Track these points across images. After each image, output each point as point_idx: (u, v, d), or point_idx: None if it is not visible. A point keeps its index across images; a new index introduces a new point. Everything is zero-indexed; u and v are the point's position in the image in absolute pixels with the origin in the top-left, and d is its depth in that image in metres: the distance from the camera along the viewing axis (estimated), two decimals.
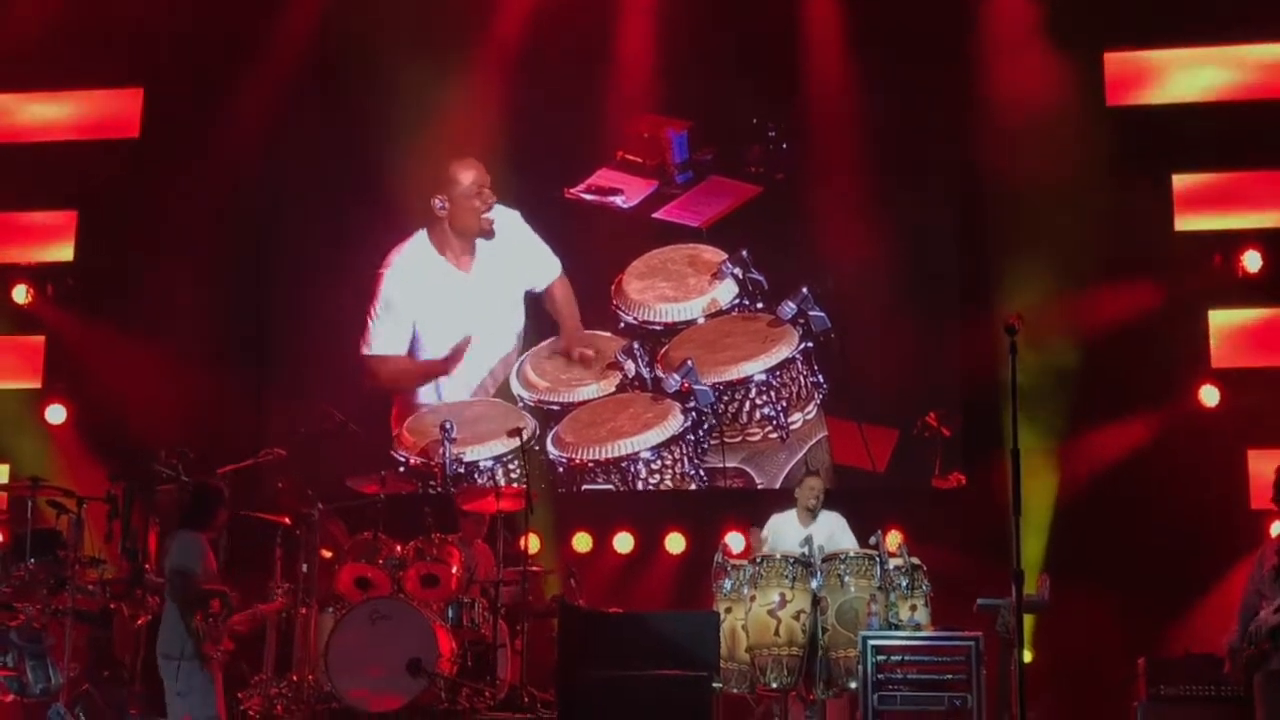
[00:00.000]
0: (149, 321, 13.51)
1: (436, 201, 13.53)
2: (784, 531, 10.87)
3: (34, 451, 13.36)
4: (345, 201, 13.87)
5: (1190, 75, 13.22)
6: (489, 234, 13.53)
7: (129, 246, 13.73)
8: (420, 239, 13.63)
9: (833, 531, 10.80)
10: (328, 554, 11.69)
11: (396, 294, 13.60)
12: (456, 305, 13.55)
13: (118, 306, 13.67)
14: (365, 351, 13.58)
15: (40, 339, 14.07)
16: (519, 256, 13.57)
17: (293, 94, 13.85)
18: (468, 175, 13.46)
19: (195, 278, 13.51)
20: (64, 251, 14.15)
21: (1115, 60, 13.18)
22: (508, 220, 13.56)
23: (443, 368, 13.49)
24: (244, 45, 13.81)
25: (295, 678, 11.03)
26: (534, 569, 11.81)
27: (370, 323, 13.61)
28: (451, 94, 13.58)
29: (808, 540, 10.53)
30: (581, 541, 13.23)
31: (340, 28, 13.60)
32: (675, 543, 13.15)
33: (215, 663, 9.43)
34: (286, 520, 11.56)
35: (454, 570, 11.22)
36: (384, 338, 13.59)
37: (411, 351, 13.60)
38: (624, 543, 13.26)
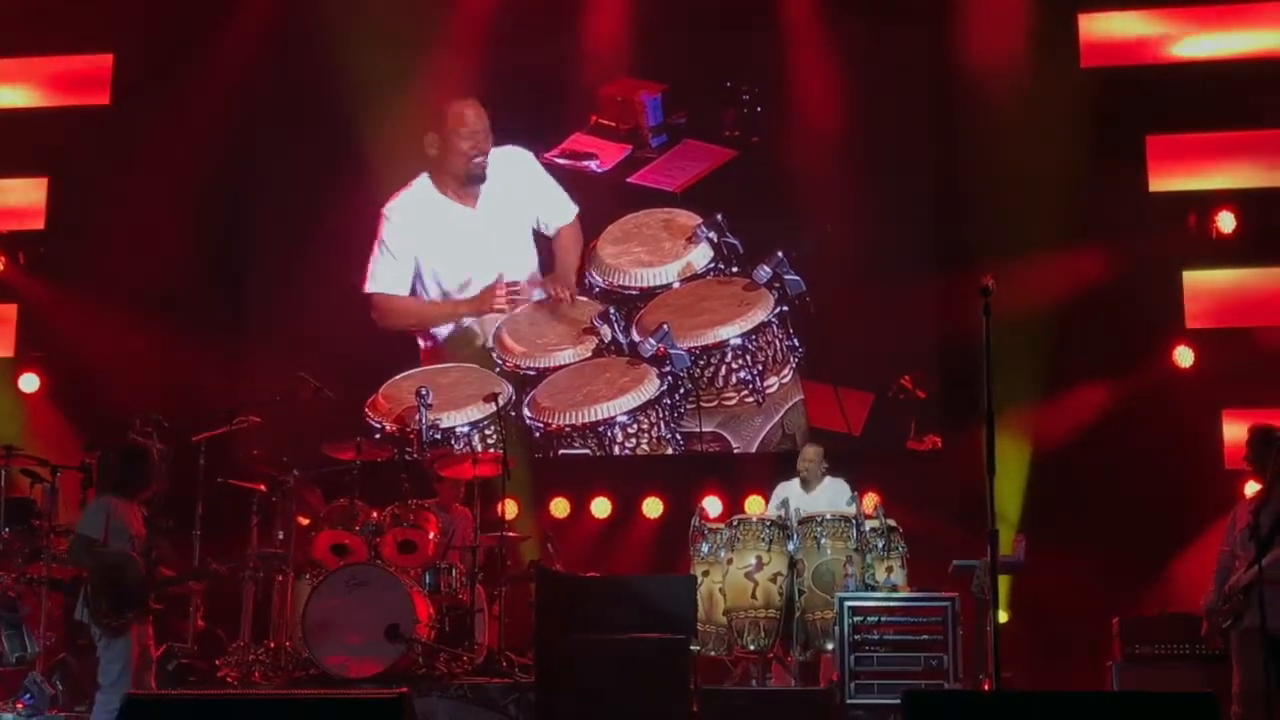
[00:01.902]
0: (122, 289, 13.44)
1: (428, 138, 13.50)
2: (786, 499, 10.89)
3: (7, 420, 13.31)
4: (320, 165, 13.79)
5: (1165, 36, 13.22)
6: (478, 178, 13.49)
7: (101, 214, 13.65)
8: (422, 180, 13.65)
9: (832, 499, 10.82)
10: (304, 521, 11.67)
11: (398, 229, 13.60)
12: (462, 241, 13.58)
13: (90, 274, 13.60)
14: (368, 288, 13.59)
15: (13, 307, 14.02)
16: (528, 195, 13.59)
17: (264, 58, 13.78)
18: (459, 114, 13.42)
19: (168, 245, 13.43)
20: (35, 219, 14.09)
21: (1089, 21, 13.17)
22: (517, 159, 13.59)
23: (473, 308, 13.51)
24: (213, 10, 13.74)
25: (273, 644, 11.02)
26: (511, 534, 11.81)
27: (372, 261, 13.59)
28: (425, 57, 13.52)
29: (784, 504, 10.56)
30: (559, 507, 13.24)
31: None
32: (653, 507, 13.17)
33: (124, 629, 9.12)
34: (262, 487, 11.54)
35: (431, 536, 11.21)
36: (386, 276, 13.60)
37: (414, 290, 13.60)
38: (601, 507, 13.27)
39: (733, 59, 13.55)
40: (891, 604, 9.67)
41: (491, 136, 13.51)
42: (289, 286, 13.72)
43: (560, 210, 13.58)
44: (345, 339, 13.43)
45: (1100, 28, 13.22)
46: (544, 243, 13.63)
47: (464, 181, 13.54)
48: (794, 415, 13.06)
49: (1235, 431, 11.81)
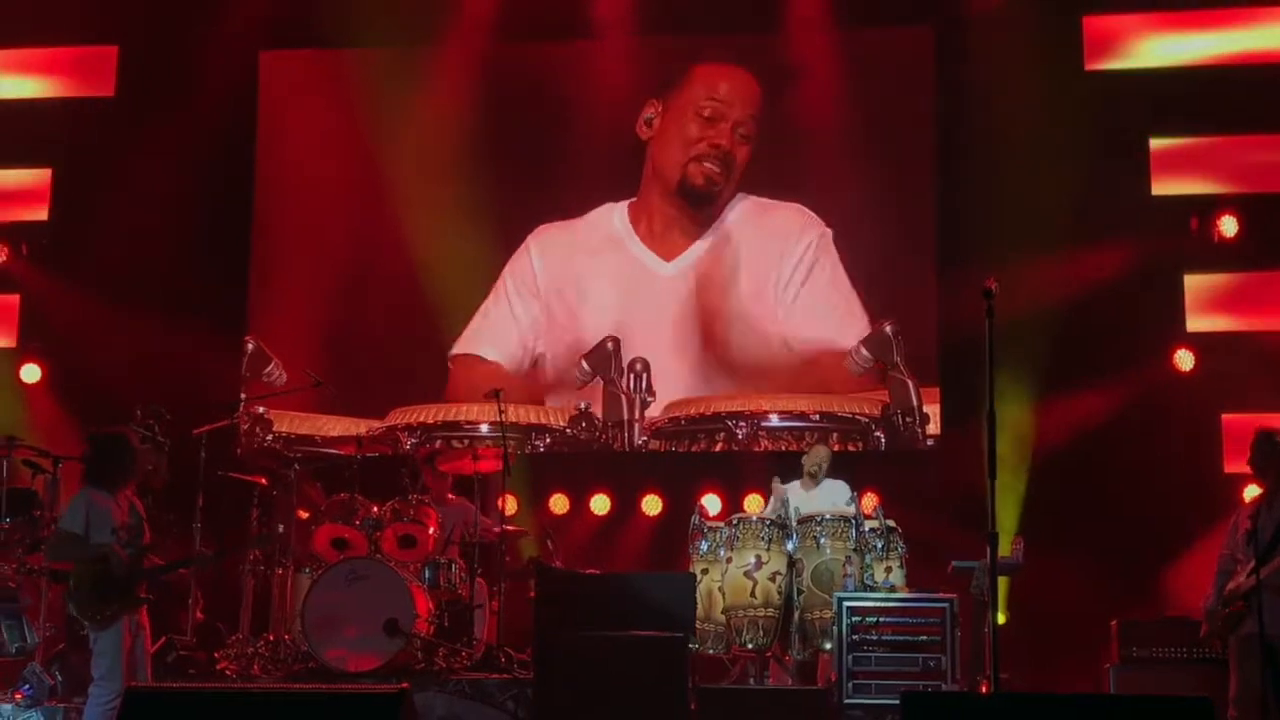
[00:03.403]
0: (124, 281, 13.44)
1: (646, 112, 12.80)
2: (786, 498, 10.89)
3: (9, 411, 13.30)
4: (326, 158, 13.79)
5: (1168, 40, 13.23)
6: (704, 195, 12.60)
7: (104, 205, 13.65)
8: (614, 207, 13.04)
9: (833, 499, 10.82)
10: (304, 515, 11.68)
11: (528, 273, 13.05)
12: (630, 302, 12.92)
13: (93, 265, 13.59)
14: (456, 351, 13.28)
15: (15, 298, 14.01)
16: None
17: (268, 49, 13.81)
18: (710, 76, 12.62)
19: (171, 236, 13.44)
20: (39, 210, 14.08)
21: (1094, 24, 13.18)
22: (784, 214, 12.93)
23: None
24: (218, 1, 13.73)
25: (272, 638, 11.03)
26: (511, 529, 11.82)
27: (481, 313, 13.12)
28: (432, 49, 13.50)
29: (784, 503, 10.57)
30: (558, 503, 13.25)
31: None
32: (652, 504, 13.18)
33: (111, 621, 9.04)
34: (263, 481, 11.55)
35: (431, 531, 11.22)
36: (485, 331, 13.22)
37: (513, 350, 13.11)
38: (601, 504, 13.28)
39: (736, 61, 13.52)
40: (890, 604, 9.67)
41: (743, 151, 12.66)
42: (295, 280, 13.72)
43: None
44: (349, 332, 13.44)
45: (1105, 30, 13.22)
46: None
47: (678, 195, 12.62)
48: None
49: (1235, 435, 11.83)
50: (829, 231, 12.95)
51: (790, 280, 12.96)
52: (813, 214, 13.03)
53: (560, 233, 13.36)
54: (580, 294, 13.21)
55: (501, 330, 13.33)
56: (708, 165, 12.81)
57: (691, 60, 13.25)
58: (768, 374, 13.03)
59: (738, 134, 13.02)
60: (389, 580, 10.58)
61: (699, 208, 13.15)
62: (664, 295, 13.12)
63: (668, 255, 13.17)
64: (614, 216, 13.29)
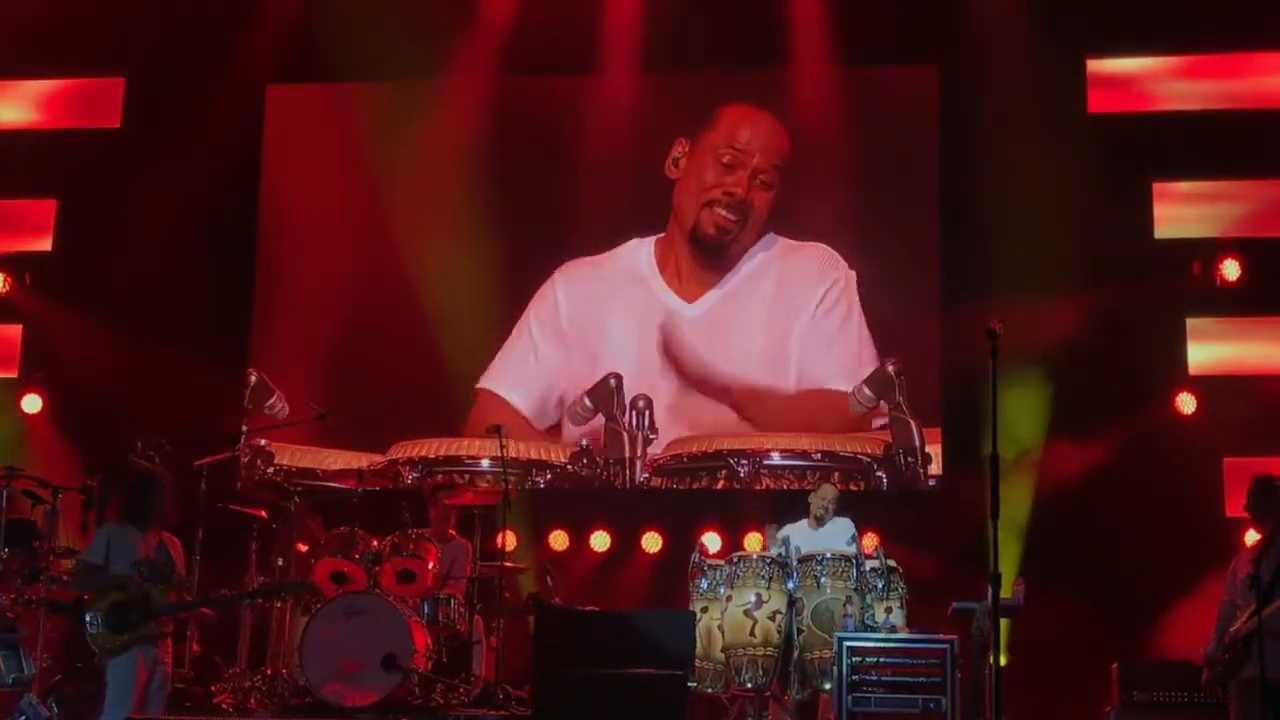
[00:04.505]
0: (127, 312, 13.46)
1: (675, 150, 12.65)
2: (792, 538, 10.86)
3: (9, 441, 13.31)
4: (331, 192, 13.82)
5: (1172, 84, 13.27)
6: (714, 244, 12.54)
7: (109, 236, 13.67)
8: (642, 243, 13.02)
9: (835, 537, 10.78)
10: (304, 548, 11.66)
11: (552, 311, 13.07)
12: (648, 341, 12.87)
13: (96, 297, 13.61)
14: (481, 384, 13.25)
15: (17, 328, 14.03)
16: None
17: (275, 82, 13.85)
18: (736, 118, 12.62)
19: (175, 269, 13.46)
20: (43, 241, 14.11)
21: (1097, 67, 13.22)
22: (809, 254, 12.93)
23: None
24: (227, 35, 13.78)
25: (270, 671, 10.99)
26: (510, 565, 11.79)
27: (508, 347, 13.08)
28: (438, 82, 13.54)
29: (784, 541, 10.54)
30: (559, 539, 13.22)
31: (325, 13, 13.49)
32: (652, 542, 13.15)
33: (122, 650, 9.13)
34: (263, 513, 11.53)
35: (430, 566, 11.19)
36: (507, 368, 13.21)
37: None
38: (601, 541, 13.25)
39: (741, 96, 13.56)
40: (890, 645, 9.63)
41: (766, 198, 12.65)
42: (298, 313, 13.73)
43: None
44: (352, 366, 13.44)
45: (1108, 74, 13.26)
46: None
47: (691, 241, 12.58)
48: None
49: (1236, 479, 11.81)
50: (853, 274, 12.90)
51: (810, 323, 12.96)
52: (837, 255, 12.96)
53: (586, 269, 13.35)
54: (601, 331, 13.19)
55: (524, 370, 13.31)
56: (720, 213, 12.81)
57: (720, 100, 13.24)
58: (776, 414, 12.99)
59: (757, 181, 12.98)
60: (387, 615, 10.55)
61: (713, 254, 13.13)
62: (687, 335, 13.12)
63: (690, 297, 13.16)
64: (640, 253, 13.26)
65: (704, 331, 13.10)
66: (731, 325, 13.08)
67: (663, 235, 13.33)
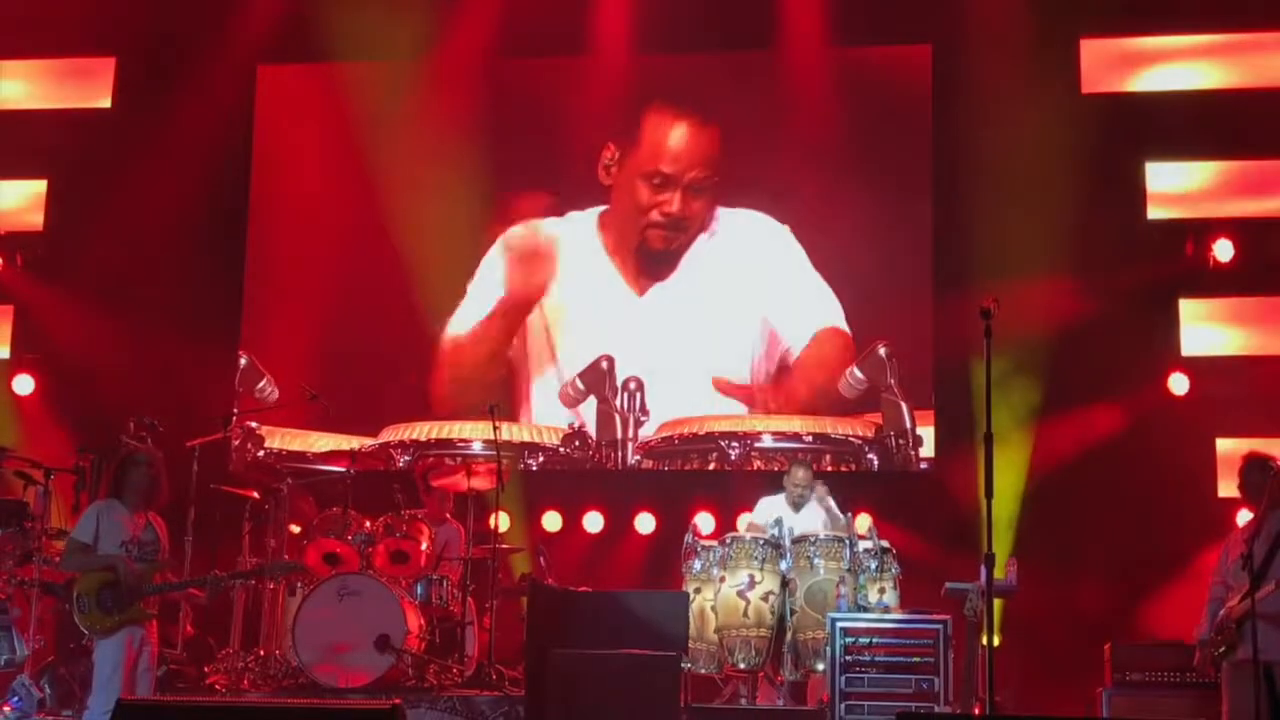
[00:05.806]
0: (119, 293, 13.43)
1: (605, 156, 12.73)
2: (769, 514, 10.86)
3: (1, 422, 13.27)
4: (322, 172, 13.78)
5: (1165, 64, 13.25)
6: (660, 254, 12.67)
7: (100, 216, 13.63)
8: (591, 216, 13.13)
9: (813, 522, 10.78)
10: (296, 529, 11.65)
11: (497, 276, 13.12)
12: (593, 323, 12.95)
13: (87, 277, 13.57)
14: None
15: (9, 309, 13.99)
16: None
17: (265, 62, 13.81)
18: (657, 133, 12.73)
19: (166, 249, 13.43)
20: (34, 221, 14.06)
21: (1091, 47, 13.20)
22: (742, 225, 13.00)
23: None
24: (217, 15, 13.74)
25: (262, 652, 11.00)
26: (503, 547, 11.79)
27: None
28: (429, 63, 13.50)
29: (778, 522, 10.54)
30: (551, 521, 13.21)
31: None
32: (645, 523, 13.14)
33: (113, 631, 9.08)
34: (255, 494, 11.52)
35: (423, 547, 11.20)
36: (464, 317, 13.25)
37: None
38: (594, 522, 13.24)
39: (732, 80, 13.51)
40: (884, 625, 9.64)
41: (703, 200, 12.76)
42: (290, 292, 13.70)
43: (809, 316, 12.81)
44: (342, 348, 13.42)
45: (1102, 54, 13.24)
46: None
47: (632, 251, 12.71)
48: None
49: (1229, 459, 11.81)
50: (786, 227, 12.97)
51: (768, 283, 13.04)
52: (767, 216, 13.02)
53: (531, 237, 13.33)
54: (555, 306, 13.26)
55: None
56: (661, 232, 12.93)
57: (644, 103, 13.18)
58: (761, 392, 13.00)
59: (691, 191, 13.04)
60: (380, 596, 10.56)
61: (661, 260, 13.18)
62: (640, 319, 13.14)
63: (640, 290, 13.21)
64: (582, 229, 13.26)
65: (658, 316, 13.16)
66: (686, 304, 13.13)
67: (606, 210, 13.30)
